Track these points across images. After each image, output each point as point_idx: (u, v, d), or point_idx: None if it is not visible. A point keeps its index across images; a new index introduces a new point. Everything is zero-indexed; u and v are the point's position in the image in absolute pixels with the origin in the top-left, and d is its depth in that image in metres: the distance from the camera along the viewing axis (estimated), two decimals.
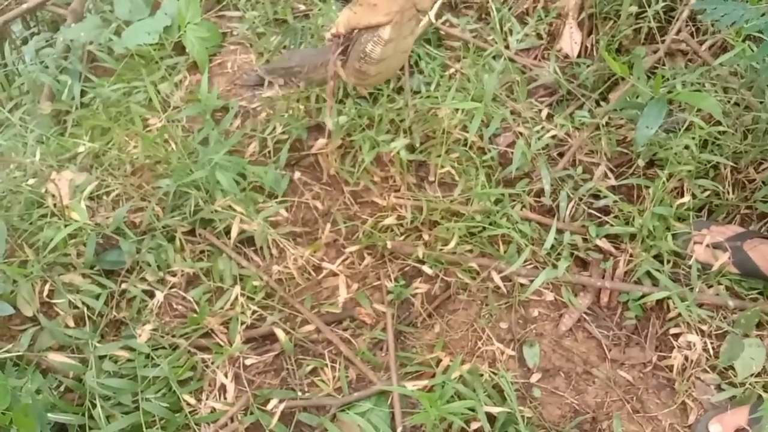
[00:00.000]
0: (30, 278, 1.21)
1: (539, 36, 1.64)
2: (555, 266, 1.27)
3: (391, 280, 1.32)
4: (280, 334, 1.24)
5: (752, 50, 1.36)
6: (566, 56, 1.60)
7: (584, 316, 1.30)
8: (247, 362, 1.24)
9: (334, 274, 1.33)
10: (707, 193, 1.37)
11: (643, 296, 1.27)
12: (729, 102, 1.40)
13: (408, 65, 1.48)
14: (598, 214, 1.37)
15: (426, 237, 1.35)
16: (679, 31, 1.52)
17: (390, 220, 1.36)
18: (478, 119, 1.30)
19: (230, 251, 1.30)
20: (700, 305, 1.27)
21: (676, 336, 1.27)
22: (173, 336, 1.22)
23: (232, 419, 1.15)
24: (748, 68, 1.40)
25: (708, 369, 1.24)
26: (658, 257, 1.30)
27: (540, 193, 1.39)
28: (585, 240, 1.34)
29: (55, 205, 1.28)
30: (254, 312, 1.26)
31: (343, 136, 1.42)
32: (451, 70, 1.56)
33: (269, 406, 1.17)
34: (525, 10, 1.68)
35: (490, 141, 1.43)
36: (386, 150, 1.38)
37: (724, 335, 1.25)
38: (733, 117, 1.37)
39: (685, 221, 1.33)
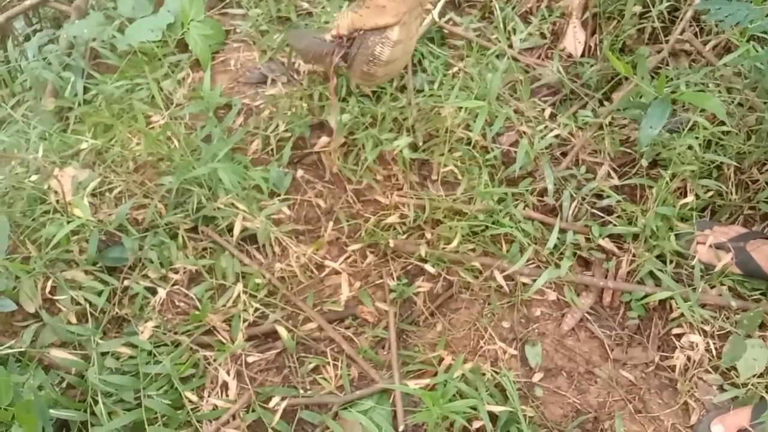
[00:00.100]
0: (32, 274, 1.21)
1: (543, 35, 1.64)
2: (558, 266, 1.27)
3: (393, 279, 1.32)
4: (282, 331, 1.24)
5: (757, 51, 1.36)
6: (570, 56, 1.60)
7: (587, 315, 1.30)
8: (249, 360, 1.24)
9: (337, 273, 1.33)
10: (710, 193, 1.37)
11: (645, 296, 1.26)
12: (733, 102, 1.40)
13: (411, 64, 1.48)
14: (601, 214, 1.37)
15: (429, 236, 1.35)
16: (683, 31, 1.51)
17: (393, 219, 1.36)
18: (482, 118, 1.30)
19: (233, 249, 1.30)
20: (703, 305, 1.27)
21: (679, 336, 1.27)
22: (175, 333, 1.22)
23: (234, 417, 1.15)
24: (752, 69, 1.40)
25: (710, 369, 1.24)
26: (661, 257, 1.30)
27: (543, 192, 1.39)
28: (588, 240, 1.34)
29: (57, 201, 1.27)
30: (256, 309, 1.26)
31: (346, 134, 1.42)
32: (455, 69, 1.56)
33: (271, 404, 1.17)
34: (528, 9, 1.68)
35: (493, 140, 1.43)
36: (389, 148, 1.38)
37: (726, 336, 1.25)
38: (736, 117, 1.37)
39: (688, 221, 1.33)
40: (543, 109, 1.51)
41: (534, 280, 1.27)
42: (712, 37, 1.53)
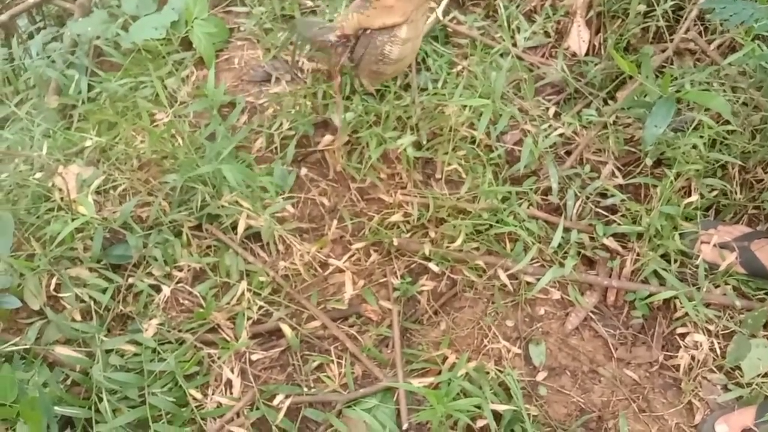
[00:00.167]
0: (37, 272, 1.21)
1: (547, 34, 1.64)
2: (562, 265, 1.27)
3: (397, 277, 1.32)
4: (286, 329, 1.24)
5: (762, 50, 1.36)
6: (574, 54, 1.60)
7: (591, 314, 1.30)
8: (253, 357, 1.24)
9: (341, 271, 1.33)
10: (715, 192, 1.37)
11: (650, 295, 1.26)
12: (737, 102, 1.39)
13: (415, 62, 1.48)
14: (606, 213, 1.37)
15: (432, 234, 1.35)
16: (687, 30, 1.51)
17: (396, 217, 1.36)
18: (486, 117, 1.30)
19: (237, 247, 1.30)
20: (707, 305, 1.27)
21: (683, 336, 1.27)
22: (180, 331, 1.22)
23: (238, 414, 1.15)
24: (757, 68, 1.39)
25: (715, 369, 1.23)
26: (665, 256, 1.30)
27: (547, 191, 1.39)
28: (592, 239, 1.34)
29: (62, 198, 1.28)
30: (260, 307, 1.26)
31: (350, 132, 1.42)
32: (458, 68, 1.56)
33: (275, 402, 1.17)
34: (533, 7, 1.67)
35: (497, 139, 1.42)
36: (393, 147, 1.38)
37: (731, 335, 1.25)
38: (741, 117, 1.37)
39: (693, 221, 1.33)
40: (547, 108, 1.51)
41: (538, 279, 1.27)
42: (716, 36, 1.53)
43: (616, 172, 1.41)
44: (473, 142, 1.39)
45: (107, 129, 1.46)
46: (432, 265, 1.32)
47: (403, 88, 1.49)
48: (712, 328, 1.26)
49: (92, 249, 1.25)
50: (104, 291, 1.23)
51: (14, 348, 1.14)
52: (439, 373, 1.20)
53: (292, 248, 1.33)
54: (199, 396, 1.16)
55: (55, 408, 1.09)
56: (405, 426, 1.14)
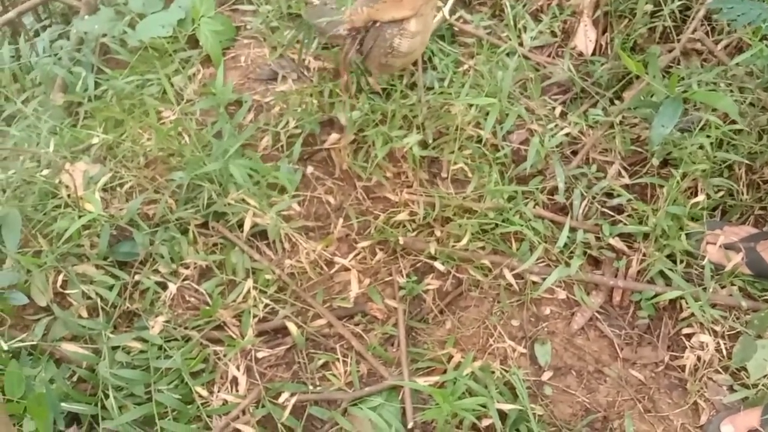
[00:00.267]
0: (44, 268, 1.22)
1: (553, 33, 1.63)
2: (568, 264, 1.27)
3: (402, 276, 1.32)
4: (292, 327, 1.24)
5: None
6: (580, 54, 1.60)
7: (596, 314, 1.30)
8: (259, 355, 1.24)
9: (346, 269, 1.33)
10: (721, 193, 1.37)
11: (655, 296, 1.26)
12: (744, 102, 1.39)
13: (421, 61, 1.48)
14: (612, 213, 1.37)
15: (438, 233, 1.35)
16: (694, 30, 1.51)
17: (402, 216, 1.36)
18: (493, 116, 1.29)
19: (243, 244, 1.30)
20: (713, 306, 1.27)
21: (689, 336, 1.27)
22: (186, 328, 1.23)
23: (243, 412, 1.16)
24: (764, 68, 1.39)
25: (720, 370, 1.23)
26: (671, 257, 1.30)
27: (553, 190, 1.39)
28: (598, 238, 1.34)
29: (69, 195, 1.28)
30: (266, 305, 1.27)
31: (356, 131, 1.42)
32: (465, 67, 1.56)
33: (281, 400, 1.17)
34: (539, 7, 1.67)
35: (503, 138, 1.42)
36: (399, 146, 1.38)
37: (736, 336, 1.25)
38: (748, 117, 1.37)
39: (699, 221, 1.33)
40: (554, 108, 1.51)
41: (544, 279, 1.26)
42: (723, 37, 1.53)
43: (623, 172, 1.41)
44: (479, 142, 1.39)
45: (114, 126, 1.46)
46: (438, 264, 1.32)
47: (409, 87, 1.49)
48: (718, 328, 1.26)
49: (99, 246, 1.25)
50: (111, 288, 1.23)
51: (21, 344, 1.14)
52: (445, 372, 1.20)
53: (298, 246, 1.33)
54: (205, 393, 1.16)
55: (62, 404, 1.10)
56: (410, 425, 1.14)
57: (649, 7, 1.52)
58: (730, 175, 1.39)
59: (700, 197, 1.33)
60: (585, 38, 1.59)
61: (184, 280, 1.28)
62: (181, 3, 1.60)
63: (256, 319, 1.25)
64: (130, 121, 1.42)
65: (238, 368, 1.20)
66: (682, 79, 1.41)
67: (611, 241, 1.33)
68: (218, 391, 1.18)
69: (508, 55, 1.54)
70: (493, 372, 1.20)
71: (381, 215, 1.38)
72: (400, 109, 1.41)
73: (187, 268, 1.29)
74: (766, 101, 1.37)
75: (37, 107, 1.49)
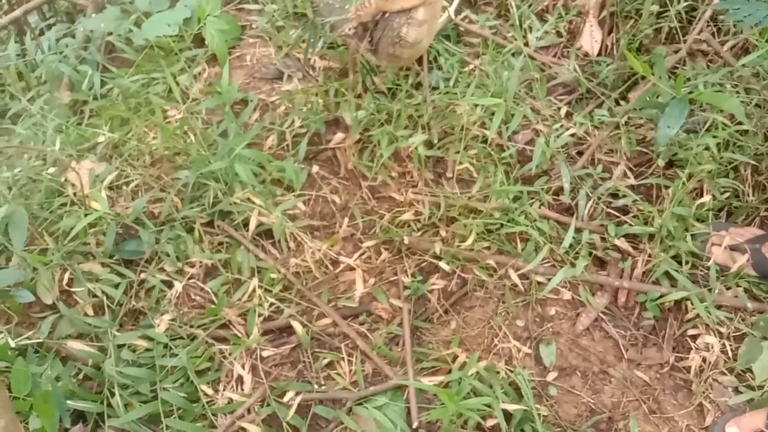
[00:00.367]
0: (50, 266, 1.22)
1: (559, 34, 1.63)
2: (573, 265, 1.27)
3: (407, 276, 1.32)
4: (297, 326, 1.24)
5: None
6: (586, 54, 1.59)
7: (601, 315, 1.30)
8: (264, 354, 1.24)
9: (351, 269, 1.33)
10: (727, 194, 1.37)
11: (661, 296, 1.26)
12: (751, 103, 1.39)
13: (427, 61, 1.48)
14: (617, 214, 1.37)
15: (443, 233, 1.35)
16: (700, 31, 1.50)
17: (407, 216, 1.36)
18: (499, 116, 1.29)
19: (248, 243, 1.30)
20: (719, 307, 1.27)
21: (694, 337, 1.27)
22: (191, 326, 1.23)
23: (248, 410, 1.16)
24: None
25: (726, 371, 1.23)
26: (676, 258, 1.30)
27: (559, 191, 1.39)
28: (603, 239, 1.34)
29: (75, 194, 1.28)
30: (272, 304, 1.27)
31: (362, 131, 1.42)
32: (470, 67, 1.56)
33: (286, 398, 1.17)
34: (545, 7, 1.67)
35: (509, 138, 1.42)
36: (404, 145, 1.38)
37: (742, 337, 1.25)
38: (755, 119, 1.36)
39: (705, 222, 1.33)
40: (559, 108, 1.50)
41: (549, 279, 1.26)
42: (729, 38, 1.52)
43: (628, 173, 1.41)
44: (485, 142, 1.39)
45: (120, 125, 1.47)
46: (443, 264, 1.32)
47: (414, 87, 1.49)
48: (723, 329, 1.26)
49: (105, 244, 1.25)
50: (116, 286, 1.23)
51: (28, 342, 1.15)
52: (450, 371, 1.20)
53: (304, 246, 1.33)
54: (210, 392, 1.17)
55: (68, 402, 1.10)
56: (415, 424, 1.15)
57: (655, 8, 1.52)
58: (736, 177, 1.39)
59: (706, 198, 1.33)
60: (591, 39, 1.59)
61: (189, 278, 1.29)
62: (187, 2, 1.60)
63: (262, 318, 1.25)
64: (135, 119, 1.43)
65: (243, 367, 1.20)
66: (688, 80, 1.41)
67: (616, 241, 1.33)
68: (223, 390, 1.18)
69: (513, 55, 1.54)
70: (498, 372, 1.20)
71: (386, 215, 1.38)
72: (405, 108, 1.41)
73: (192, 266, 1.30)
74: None
75: (43, 105, 1.50)
